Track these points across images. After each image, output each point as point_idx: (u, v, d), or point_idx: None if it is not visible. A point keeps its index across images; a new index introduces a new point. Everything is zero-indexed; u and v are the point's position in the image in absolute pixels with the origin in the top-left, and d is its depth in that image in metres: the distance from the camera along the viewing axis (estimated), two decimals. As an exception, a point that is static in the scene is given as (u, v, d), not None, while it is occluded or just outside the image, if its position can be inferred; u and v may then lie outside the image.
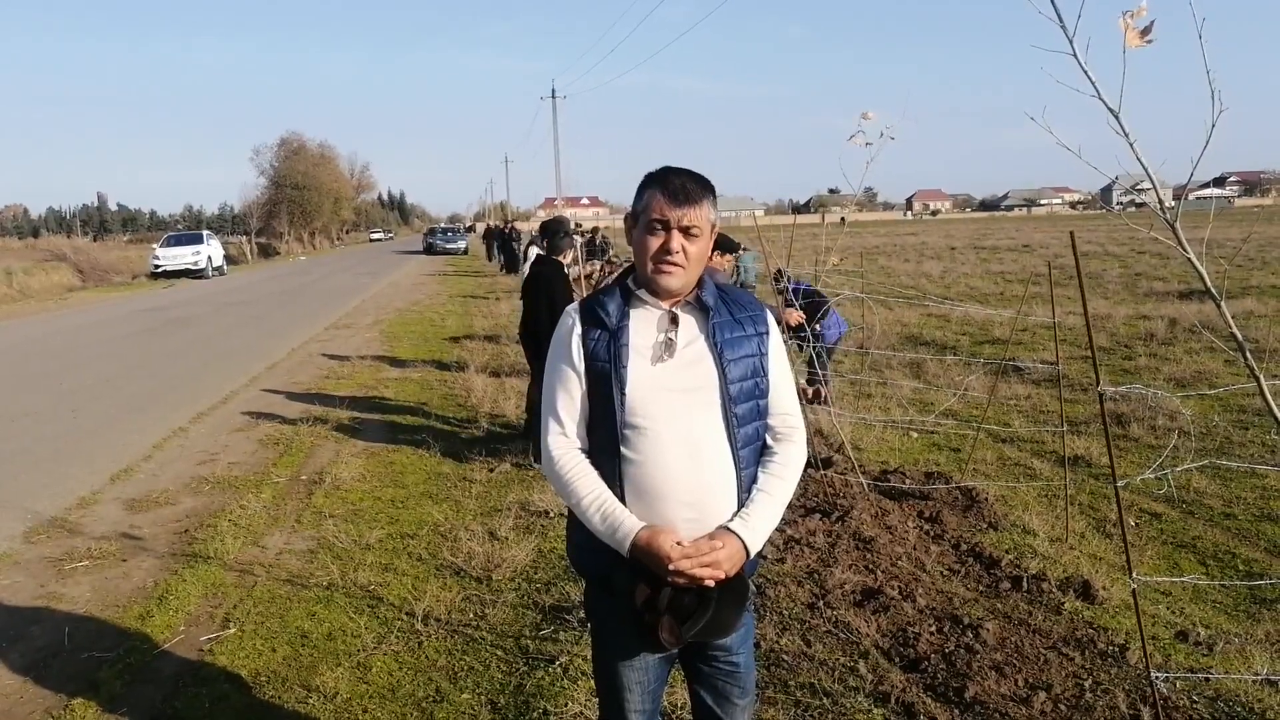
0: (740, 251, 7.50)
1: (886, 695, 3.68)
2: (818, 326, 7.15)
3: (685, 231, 2.17)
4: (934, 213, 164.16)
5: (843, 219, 8.26)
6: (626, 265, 2.40)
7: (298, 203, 68.96)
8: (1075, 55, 2.18)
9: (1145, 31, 2.10)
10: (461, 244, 53.48)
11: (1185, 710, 3.54)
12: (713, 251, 6.63)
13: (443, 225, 76.85)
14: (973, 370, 9.84)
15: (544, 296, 6.96)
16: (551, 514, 5.96)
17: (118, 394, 11.07)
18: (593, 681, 2.85)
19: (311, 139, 76.58)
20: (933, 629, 4.25)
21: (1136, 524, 5.67)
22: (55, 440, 8.72)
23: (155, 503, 6.65)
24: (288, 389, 11.08)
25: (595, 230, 23.05)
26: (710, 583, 2.12)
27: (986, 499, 6.05)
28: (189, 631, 4.55)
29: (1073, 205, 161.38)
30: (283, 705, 3.83)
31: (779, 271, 7.49)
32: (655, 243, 2.18)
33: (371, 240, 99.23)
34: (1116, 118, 2.21)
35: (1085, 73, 2.18)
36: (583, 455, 2.23)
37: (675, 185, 2.18)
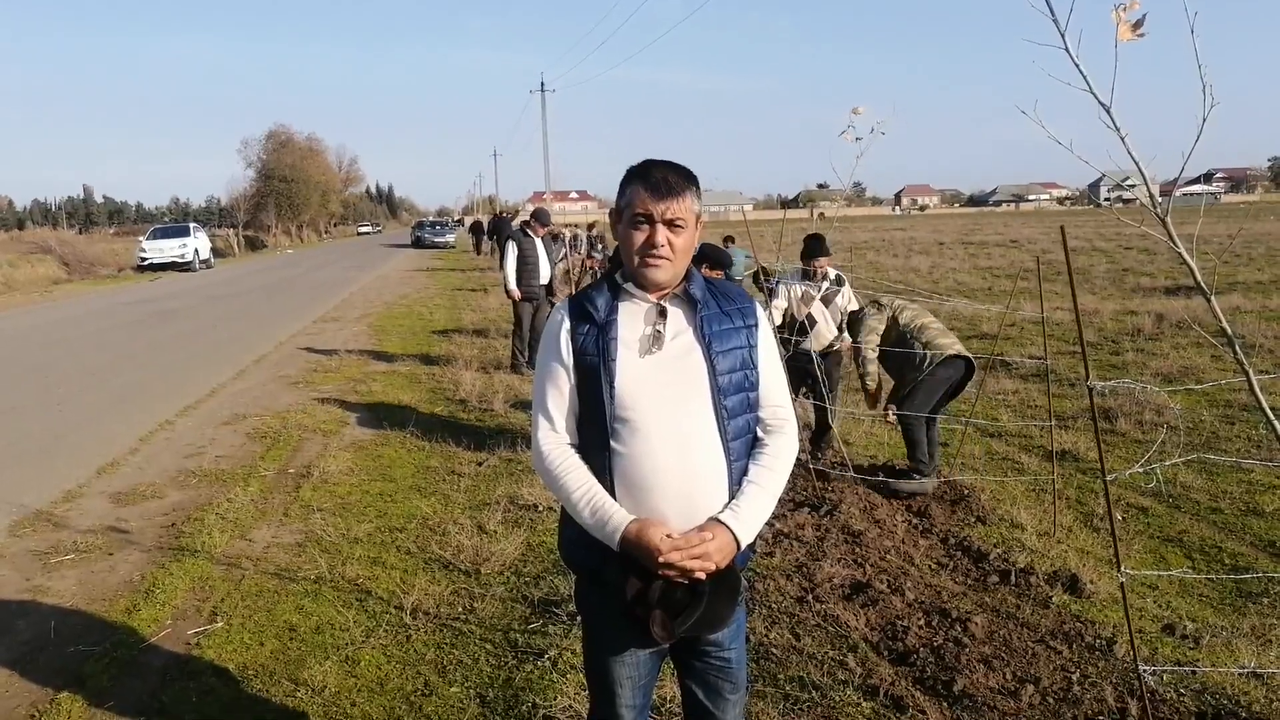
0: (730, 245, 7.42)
1: (875, 688, 3.68)
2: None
3: (670, 224, 2.17)
4: (922, 208, 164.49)
5: (822, 214, 8.23)
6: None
7: (285, 195, 68.57)
8: (1067, 49, 2.18)
9: (1137, 25, 2.10)
10: (450, 237, 53.26)
11: (1172, 703, 3.56)
12: (704, 265, 6.54)
13: (431, 219, 76.53)
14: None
15: None
16: (540, 507, 5.95)
17: (104, 387, 11.01)
18: (582, 675, 2.84)
19: (299, 131, 76.31)
20: (921, 622, 4.26)
21: (1124, 518, 5.69)
22: (41, 434, 8.66)
23: (142, 496, 6.61)
24: (275, 382, 11.03)
25: (592, 226, 23.17)
26: (701, 575, 2.12)
27: (974, 493, 6.07)
28: (176, 625, 4.53)
29: (1060, 201, 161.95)
30: (270, 699, 3.82)
31: (762, 270, 7.41)
32: (640, 237, 2.18)
33: (359, 233, 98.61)
34: (1108, 112, 2.21)
35: (1077, 66, 2.18)
36: (572, 450, 2.23)
37: (657, 178, 2.17)
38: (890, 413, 6.37)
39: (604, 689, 2.36)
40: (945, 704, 3.59)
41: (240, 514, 6.12)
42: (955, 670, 3.78)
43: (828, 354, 6.93)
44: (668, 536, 2.10)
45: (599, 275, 2.51)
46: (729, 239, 15.48)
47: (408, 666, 4.04)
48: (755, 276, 7.31)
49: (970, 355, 6.24)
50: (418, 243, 53.35)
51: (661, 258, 2.17)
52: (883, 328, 6.39)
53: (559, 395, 2.24)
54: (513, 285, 10.77)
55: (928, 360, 6.09)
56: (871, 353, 6.37)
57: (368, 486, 6.68)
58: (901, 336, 6.30)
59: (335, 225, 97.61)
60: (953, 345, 6.17)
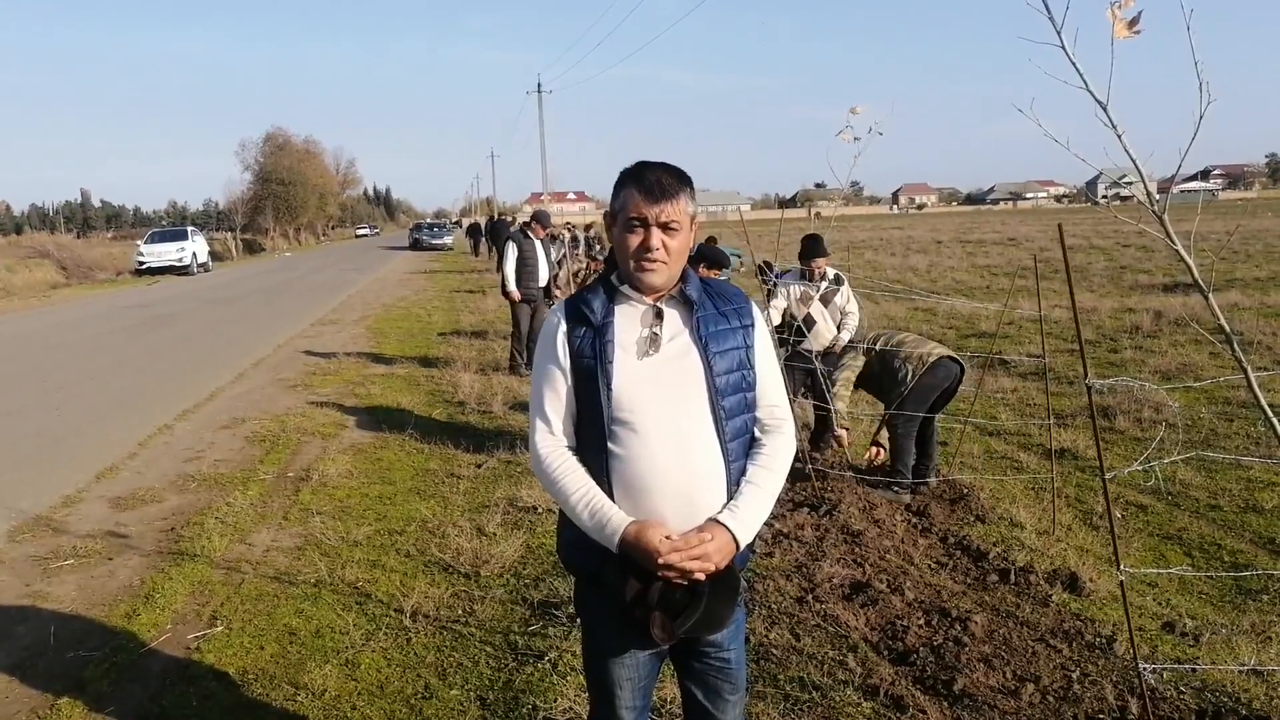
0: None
1: (876, 688, 3.68)
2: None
3: (664, 227, 2.16)
4: (920, 207, 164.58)
5: (819, 214, 8.25)
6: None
7: (283, 198, 68.55)
8: (1063, 47, 2.18)
9: (1133, 22, 2.10)
10: (448, 239, 53.23)
11: (1172, 701, 3.56)
12: (702, 264, 6.52)
13: (429, 221, 76.47)
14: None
15: None
16: (539, 509, 5.94)
17: (102, 391, 11.00)
18: (582, 677, 2.84)
19: (297, 134, 76.43)
20: (921, 622, 4.26)
21: (1123, 516, 5.69)
22: (39, 438, 8.65)
23: (141, 500, 6.60)
24: (273, 385, 11.03)
25: (589, 227, 23.21)
26: (701, 576, 2.11)
27: (974, 492, 6.07)
28: (176, 630, 4.52)
29: (1058, 199, 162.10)
30: (271, 703, 3.81)
31: (766, 264, 7.45)
32: (635, 240, 2.17)
33: (357, 236, 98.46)
34: (1105, 110, 2.21)
35: (1073, 64, 2.18)
36: (570, 453, 2.23)
37: (650, 181, 2.16)
38: (877, 453, 6.44)
39: (604, 690, 2.36)
40: (945, 703, 3.59)
41: (239, 518, 6.12)
42: (955, 669, 3.78)
43: (827, 354, 6.93)
44: (666, 538, 2.09)
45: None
46: (711, 239, 15.45)
47: (408, 669, 4.03)
48: (759, 271, 7.34)
49: (954, 354, 6.24)
50: (415, 245, 53.33)
51: (657, 261, 2.16)
52: (858, 371, 6.40)
53: (556, 398, 2.23)
54: (512, 286, 10.79)
55: (910, 375, 6.11)
56: (845, 391, 6.38)
57: (367, 489, 6.67)
58: (881, 358, 6.31)
59: (333, 228, 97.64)
60: (931, 354, 6.15)
